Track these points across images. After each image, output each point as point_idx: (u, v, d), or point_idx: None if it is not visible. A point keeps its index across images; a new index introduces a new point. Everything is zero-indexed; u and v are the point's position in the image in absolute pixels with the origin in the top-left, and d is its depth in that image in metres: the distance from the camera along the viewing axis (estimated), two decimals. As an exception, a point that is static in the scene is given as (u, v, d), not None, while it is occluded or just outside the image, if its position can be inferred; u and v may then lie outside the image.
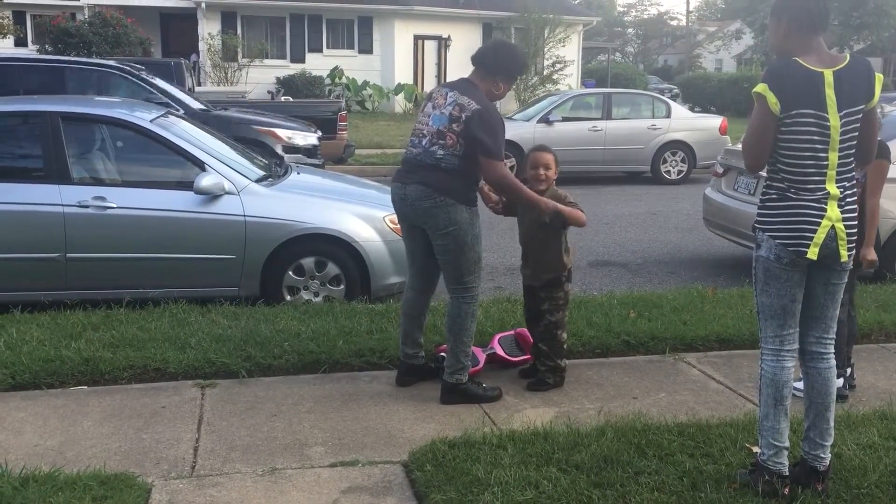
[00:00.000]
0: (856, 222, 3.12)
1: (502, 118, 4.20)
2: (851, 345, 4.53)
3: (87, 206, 5.54)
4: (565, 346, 4.57)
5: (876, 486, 3.27)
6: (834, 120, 3.01)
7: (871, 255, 4.22)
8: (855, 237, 3.12)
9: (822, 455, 3.22)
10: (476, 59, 4.25)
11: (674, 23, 62.93)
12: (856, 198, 3.14)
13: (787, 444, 3.19)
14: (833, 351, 3.27)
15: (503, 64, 4.22)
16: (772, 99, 3.01)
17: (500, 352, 4.76)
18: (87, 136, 6.09)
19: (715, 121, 15.21)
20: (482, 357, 4.66)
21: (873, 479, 3.31)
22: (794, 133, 3.03)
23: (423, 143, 4.18)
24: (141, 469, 3.48)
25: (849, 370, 4.50)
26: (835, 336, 3.27)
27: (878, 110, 3.38)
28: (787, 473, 3.18)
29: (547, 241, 4.42)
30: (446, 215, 4.10)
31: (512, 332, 4.96)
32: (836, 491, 3.23)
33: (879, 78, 3.08)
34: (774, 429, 3.17)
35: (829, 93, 3.01)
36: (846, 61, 3.06)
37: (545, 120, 14.12)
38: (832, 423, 3.23)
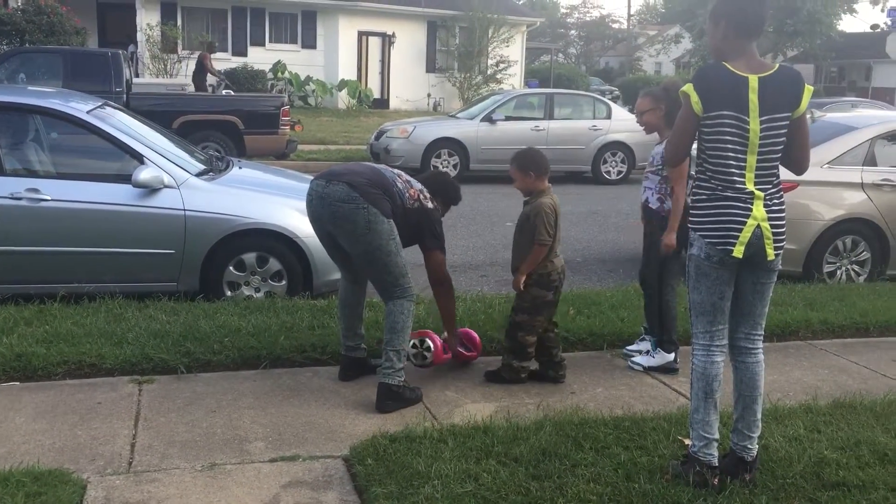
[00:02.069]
0: (783, 222, 3.22)
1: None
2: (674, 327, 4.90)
3: (20, 199, 5.40)
4: (528, 351, 4.52)
5: (801, 476, 3.40)
6: (754, 124, 3.12)
7: (671, 240, 4.65)
8: (782, 237, 3.22)
9: (749, 446, 3.34)
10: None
11: (615, 26, 63.89)
12: (782, 199, 3.25)
13: (716, 435, 3.30)
14: (761, 346, 3.39)
15: (442, 191, 4.54)
16: (694, 98, 3.14)
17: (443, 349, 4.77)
18: (21, 127, 5.94)
19: (654, 123, 15.51)
20: (440, 343, 4.62)
21: (798, 469, 3.45)
22: (715, 133, 3.15)
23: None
24: (76, 465, 3.42)
25: (673, 354, 4.85)
26: (762, 332, 3.39)
27: (808, 116, 3.45)
28: (717, 464, 3.29)
29: (520, 244, 4.49)
30: (365, 220, 4.01)
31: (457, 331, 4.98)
32: (763, 481, 3.35)
33: (809, 89, 3.19)
34: (705, 421, 3.28)
35: (753, 97, 3.12)
36: (774, 69, 3.18)
37: (488, 119, 14.23)
38: (759, 416, 3.35)
